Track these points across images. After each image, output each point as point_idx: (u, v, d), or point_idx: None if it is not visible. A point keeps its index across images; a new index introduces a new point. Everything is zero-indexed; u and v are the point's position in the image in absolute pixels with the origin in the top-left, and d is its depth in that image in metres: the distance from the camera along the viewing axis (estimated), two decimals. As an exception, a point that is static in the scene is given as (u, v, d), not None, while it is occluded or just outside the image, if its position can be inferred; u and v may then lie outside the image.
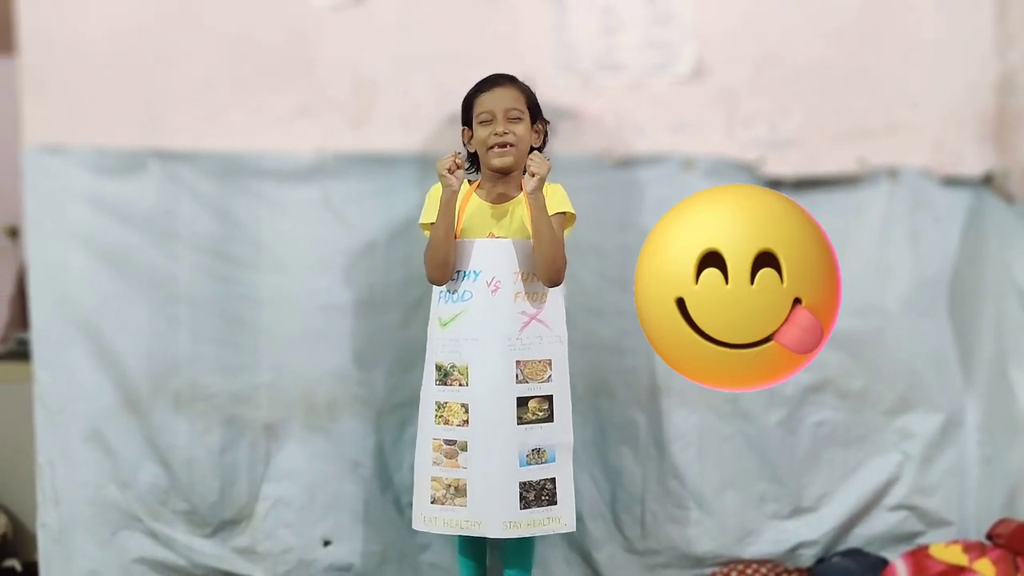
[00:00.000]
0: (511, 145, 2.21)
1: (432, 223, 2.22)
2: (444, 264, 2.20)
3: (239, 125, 2.46)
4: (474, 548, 2.36)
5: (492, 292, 2.19)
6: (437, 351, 2.23)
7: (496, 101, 2.21)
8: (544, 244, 2.17)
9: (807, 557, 2.60)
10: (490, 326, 2.18)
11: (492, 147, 2.21)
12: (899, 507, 2.60)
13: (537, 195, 2.16)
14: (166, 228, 2.47)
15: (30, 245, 2.46)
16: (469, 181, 2.28)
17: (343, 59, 2.46)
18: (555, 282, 2.20)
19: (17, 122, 2.47)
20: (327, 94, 2.47)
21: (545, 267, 2.18)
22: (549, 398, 2.22)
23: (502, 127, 2.20)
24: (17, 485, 2.88)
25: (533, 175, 2.16)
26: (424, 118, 2.44)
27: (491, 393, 2.18)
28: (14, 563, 2.80)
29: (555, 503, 2.22)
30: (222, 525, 2.54)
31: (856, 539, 2.61)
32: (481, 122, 2.22)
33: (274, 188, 2.48)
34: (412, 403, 2.48)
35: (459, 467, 2.20)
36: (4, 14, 2.44)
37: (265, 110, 2.46)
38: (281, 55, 2.45)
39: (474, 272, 2.20)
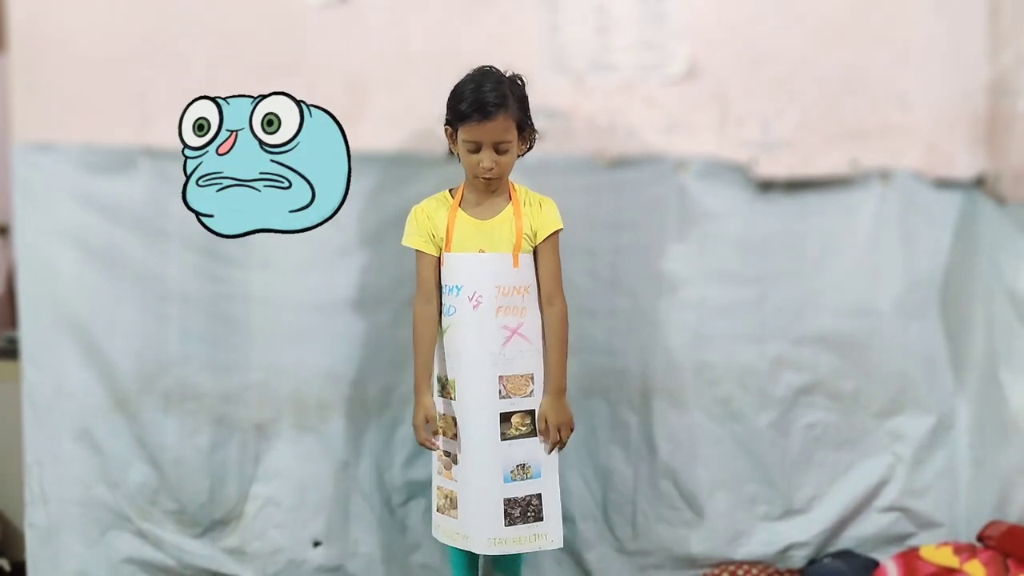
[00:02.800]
0: (497, 177, 2.17)
1: (415, 248, 2.20)
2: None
3: (230, 123, 2.44)
4: (467, 560, 2.35)
5: (474, 307, 2.16)
6: (438, 361, 2.22)
7: (485, 135, 2.11)
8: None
9: (798, 558, 2.59)
10: (474, 341, 2.16)
11: (478, 176, 2.16)
12: (890, 509, 2.60)
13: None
14: (156, 226, 2.45)
15: (19, 242, 2.45)
16: (450, 192, 2.25)
17: (334, 58, 2.45)
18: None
19: (6, 119, 2.46)
20: (319, 93, 2.42)
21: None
22: (532, 412, 2.19)
23: (488, 162, 2.13)
24: (6, 484, 2.86)
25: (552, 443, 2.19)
26: (416, 117, 2.43)
27: (476, 408, 2.17)
28: (3, 563, 2.78)
29: (541, 519, 2.19)
30: (211, 525, 2.54)
31: (847, 540, 2.60)
32: (468, 150, 2.14)
33: (265, 186, 2.47)
34: (403, 403, 2.48)
35: (452, 479, 2.20)
36: (-6, 10, 2.43)
37: (256, 108, 2.45)
38: (272, 53, 2.44)
39: (457, 287, 2.17)
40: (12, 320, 3.88)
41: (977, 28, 2.51)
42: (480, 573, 2.40)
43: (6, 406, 2.83)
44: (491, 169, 2.13)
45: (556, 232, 2.21)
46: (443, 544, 2.45)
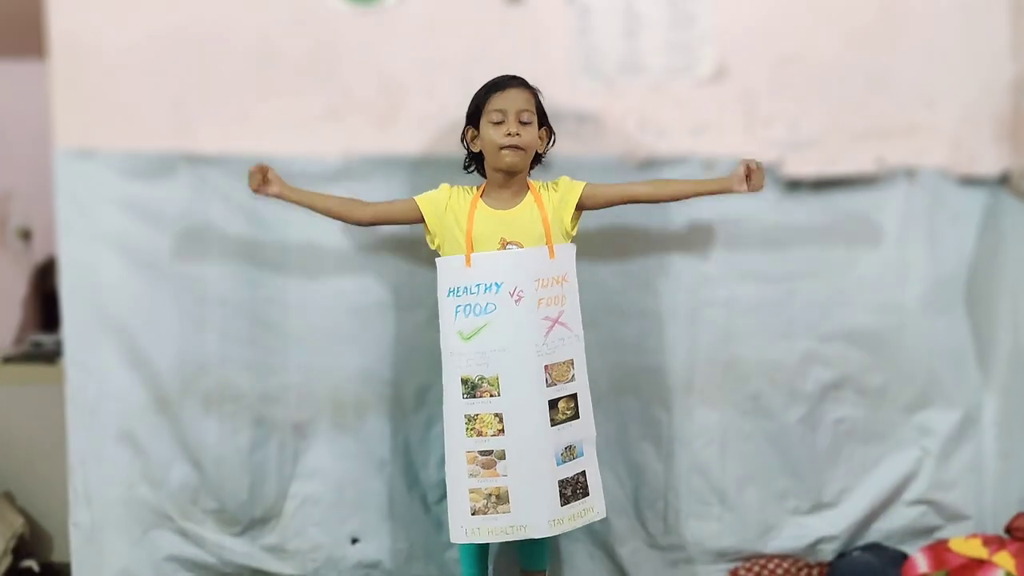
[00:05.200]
0: (522, 148, 2.24)
1: (425, 200, 2.30)
2: (344, 219, 2.33)
3: (267, 128, 2.47)
4: (478, 552, 2.40)
5: (516, 302, 2.20)
6: (461, 365, 2.22)
7: (509, 102, 2.23)
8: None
9: (827, 552, 2.63)
10: (517, 335, 2.20)
11: (503, 147, 2.24)
12: (918, 502, 2.63)
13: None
14: (196, 231, 2.49)
15: (62, 247, 2.48)
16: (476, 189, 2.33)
17: (369, 62, 2.48)
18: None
19: (29, 124, 2.50)
20: (353, 97, 2.49)
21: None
22: (574, 396, 2.26)
23: (514, 128, 2.22)
24: (34, 486, 2.91)
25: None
26: (449, 120, 2.46)
27: (525, 400, 2.20)
28: (32, 563, 2.83)
29: (587, 494, 2.27)
30: (251, 523, 2.57)
31: (876, 534, 2.64)
32: (492, 122, 2.24)
33: (302, 190, 2.50)
34: (438, 402, 2.48)
35: (499, 476, 2.20)
36: (35, 18, 2.46)
37: (292, 113, 2.48)
38: (308, 59, 2.48)
39: (496, 284, 2.21)
40: (37, 323, 3.93)
41: (1000, 27, 2.55)
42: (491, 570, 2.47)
43: (35, 409, 2.88)
44: (516, 136, 2.21)
45: (585, 187, 2.29)
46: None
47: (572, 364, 2.26)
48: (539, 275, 2.22)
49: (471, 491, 2.22)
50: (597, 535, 2.61)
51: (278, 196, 2.27)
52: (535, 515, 2.21)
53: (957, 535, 2.53)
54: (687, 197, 2.32)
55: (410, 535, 2.59)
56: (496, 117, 2.23)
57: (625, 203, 2.33)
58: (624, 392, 2.60)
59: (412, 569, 2.60)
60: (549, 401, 2.21)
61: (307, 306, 2.52)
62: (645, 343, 2.59)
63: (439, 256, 2.30)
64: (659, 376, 2.60)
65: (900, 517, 2.63)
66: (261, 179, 2.25)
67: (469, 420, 2.22)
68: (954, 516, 2.64)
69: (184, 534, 2.55)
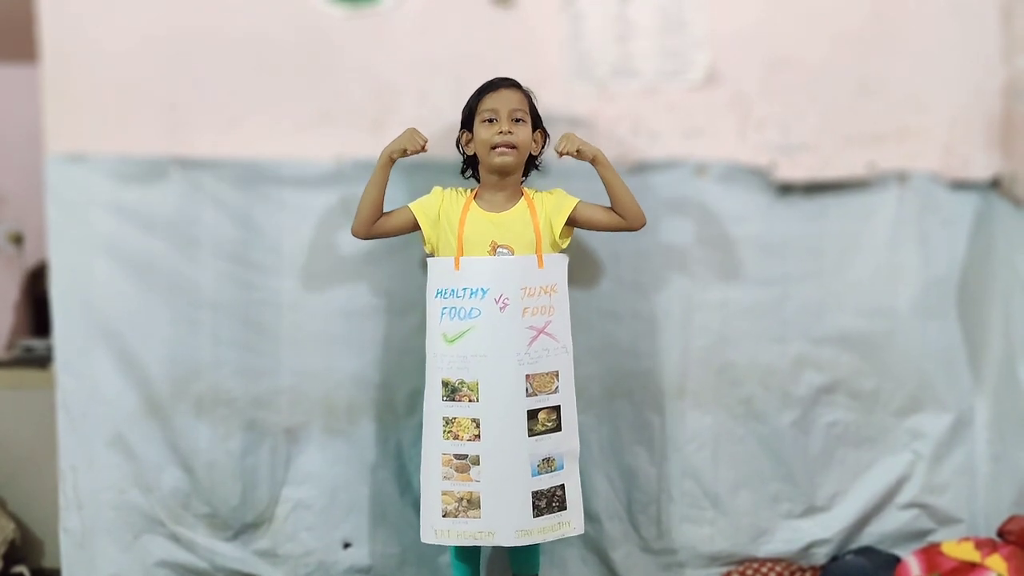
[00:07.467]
0: (514, 147, 2.25)
1: (412, 209, 2.30)
2: (365, 222, 2.29)
3: (259, 133, 2.47)
4: (469, 551, 2.39)
5: (500, 309, 2.21)
6: (443, 367, 2.23)
7: (501, 102, 2.25)
8: (624, 190, 2.28)
9: (820, 555, 2.63)
10: (499, 342, 2.21)
11: (495, 147, 2.24)
12: (910, 505, 2.64)
13: (599, 158, 2.27)
14: (188, 235, 2.49)
15: (53, 252, 2.47)
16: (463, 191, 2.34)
17: (361, 66, 2.49)
18: (641, 219, 2.30)
19: (20, 128, 2.49)
20: (346, 101, 2.49)
21: (634, 206, 2.29)
22: (557, 408, 2.25)
23: (507, 126, 2.23)
24: (25, 491, 2.90)
25: (577, 151, 2.25)
26: (442, 124, 2.46)
27: (503, 408, 2.21)
28: (23, 569, 2.81)
29: (564, 508, 2.26)
30: (243, 528, 2.57)
31: (868, 537, 2.64)
32: (485, 121, 2.25)
33: (294, 195, 2.49)
34: (430, 407, 2.51)
35: (471, 480, 2.21)
36: (27, 23, 2.45)
37: (285, 118, 2.48)
38: (300, 63, 2.47)
39: (482, 290, 2.21)
40: (28, 328, 3.92)
41: (991, 32, 2.55)
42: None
43: (25, 414, 2.86)
44: (509, 134, 2.23)
45: (578, 204, 2.30)
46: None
47: (556, 376, 2.25)
48: (526, 283, 2.22)
49: (443, 493, 2.23)
50: (590, 539, 2.61)
51: (390, 158, 2.27)
52: (504, 523, 2.21)
53: (949, 538, 2.53)
54: (621, 197, 2.29)
55: (402, 540, 2.59)
56: (489, 116, 2.25)
57: (609, 229, 2.34)
58: (617, 396, 2.60)
59: (404, 574, 2.60)
60: (529, 411, 2.21)
61: (299, 310, 2.52)
62: (638, 347, 2.59)
63: (431, 256, 2.31)
64: (652, 380, 2.60)
65: (893, 520, 2.64)
66: (421, 149, 2.26)
67: (447, 423, 2.23)
68: (946, 519, 2.64)
69: (175, 539, 2.55)
